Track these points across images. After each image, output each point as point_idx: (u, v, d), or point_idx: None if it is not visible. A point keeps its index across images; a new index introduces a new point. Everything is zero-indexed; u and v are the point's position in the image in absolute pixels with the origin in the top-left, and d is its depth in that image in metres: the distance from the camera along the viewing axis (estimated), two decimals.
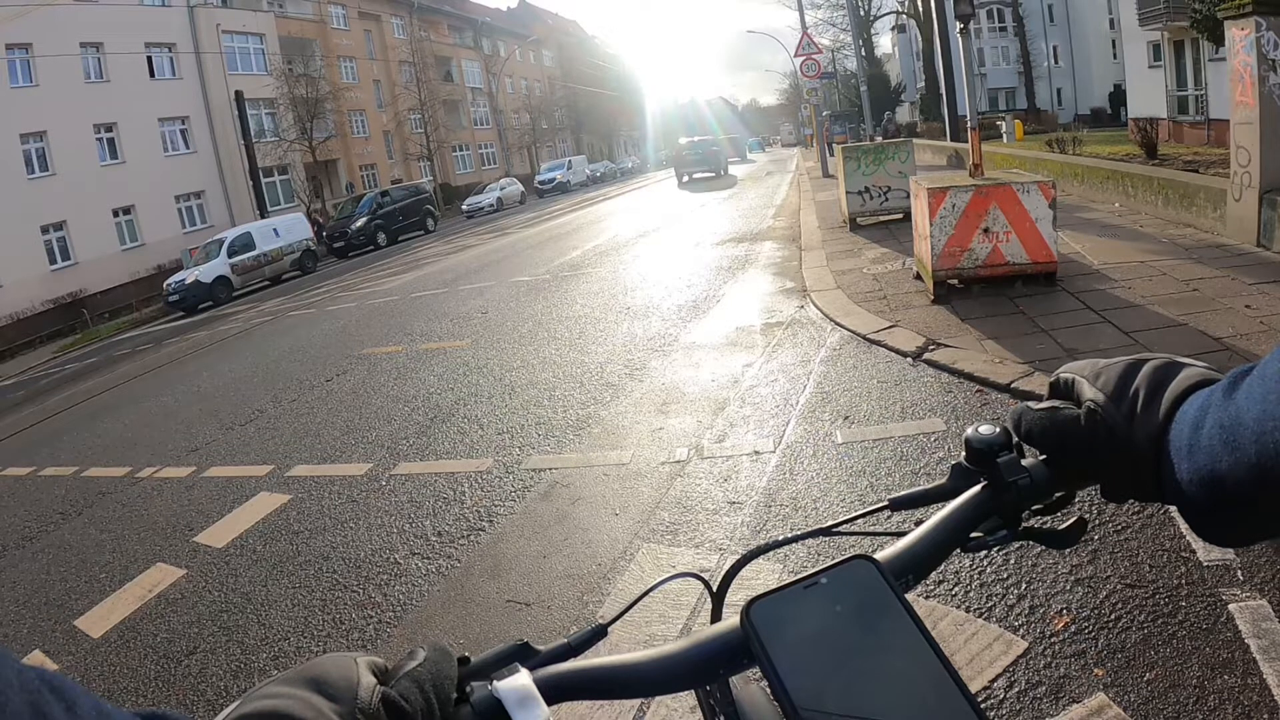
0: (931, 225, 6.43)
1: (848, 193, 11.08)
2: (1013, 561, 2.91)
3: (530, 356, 7.28)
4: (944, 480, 0.64)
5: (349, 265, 24.72)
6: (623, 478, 4.38)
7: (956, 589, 2.81)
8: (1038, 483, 0.60)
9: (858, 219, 11.13)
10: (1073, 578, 2.79)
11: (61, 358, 20.35)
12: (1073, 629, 2.53)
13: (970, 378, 4.87)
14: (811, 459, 4.18)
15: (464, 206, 37.19)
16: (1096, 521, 3.08)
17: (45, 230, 26.96)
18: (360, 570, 3.83)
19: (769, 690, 0.48)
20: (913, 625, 0.48)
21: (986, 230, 6.35)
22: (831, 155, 18.67)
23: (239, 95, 31.21)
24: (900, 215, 10.48)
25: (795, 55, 20.96)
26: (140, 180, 29.54)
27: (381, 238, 28.80)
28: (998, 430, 0.62)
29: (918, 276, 7.38)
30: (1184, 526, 2.91)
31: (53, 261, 27.10)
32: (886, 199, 10.87)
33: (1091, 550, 2.93)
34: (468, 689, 0.51)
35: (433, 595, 3.51)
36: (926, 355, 5.35)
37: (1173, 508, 0.55)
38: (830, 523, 0.67)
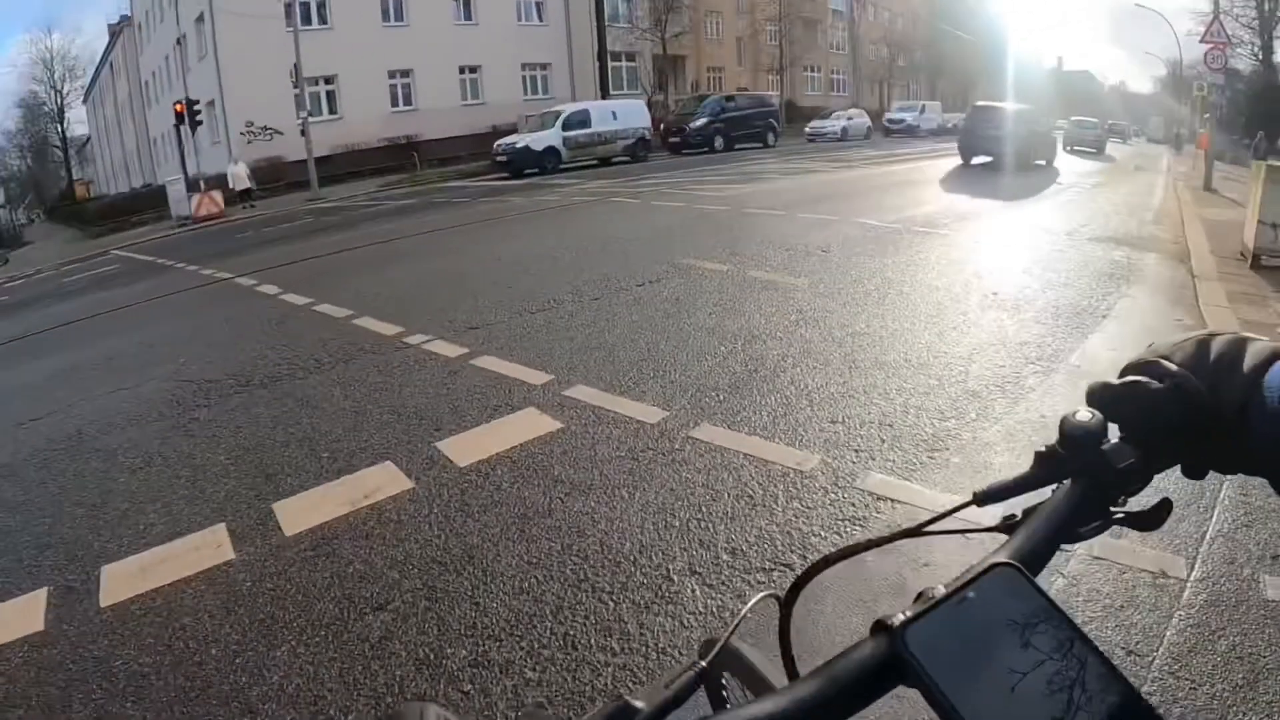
0: None
1: (1259, 222, 8.64)
2: None
3: (877, 323, 5.98)
4: (1028, 469, 0.63)
5: (681, 163, 24.92)
6: (986, 552, 3.02)
7: None
8: (1134, 467, 0.61)
9: (1263, 257, 8.63)
10: None
11: (383, 193, 23.17)
12: None
13: None
14: (1231, 609, 2.62)
15: (807, 129, 37.40)
16: None
17: (392, 75, 31.73)
18: (618, 570, 2.90)
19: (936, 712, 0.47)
20: (1070, 627, 0.49)
21: None
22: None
23: None
24: None
25: (1202, 40, 19.13)
26: (489, 43, 33.24)
27: (719, 142, 29.18)
28: (1095, 416, 0.62)
29: None
30: None
31: (394, 104, 31.79)
32: None
33: None
34: None
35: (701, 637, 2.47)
36: None
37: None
38: (917, 523, 0.68)
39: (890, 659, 0.49)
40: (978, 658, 0.48)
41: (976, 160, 20.49)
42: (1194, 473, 0.64)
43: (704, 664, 0.56)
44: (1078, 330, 5.83)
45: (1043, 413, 4.28)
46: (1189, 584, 2.81)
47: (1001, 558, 0.55)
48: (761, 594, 0.71)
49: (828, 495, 3.46)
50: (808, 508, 3.36)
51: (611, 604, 2.72)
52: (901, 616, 0.50)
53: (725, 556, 2.99)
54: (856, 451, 3.87)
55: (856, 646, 0.52)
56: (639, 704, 0.51)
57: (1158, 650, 2.46)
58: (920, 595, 0.52)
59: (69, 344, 7.85)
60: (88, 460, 4.38)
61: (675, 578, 2.85)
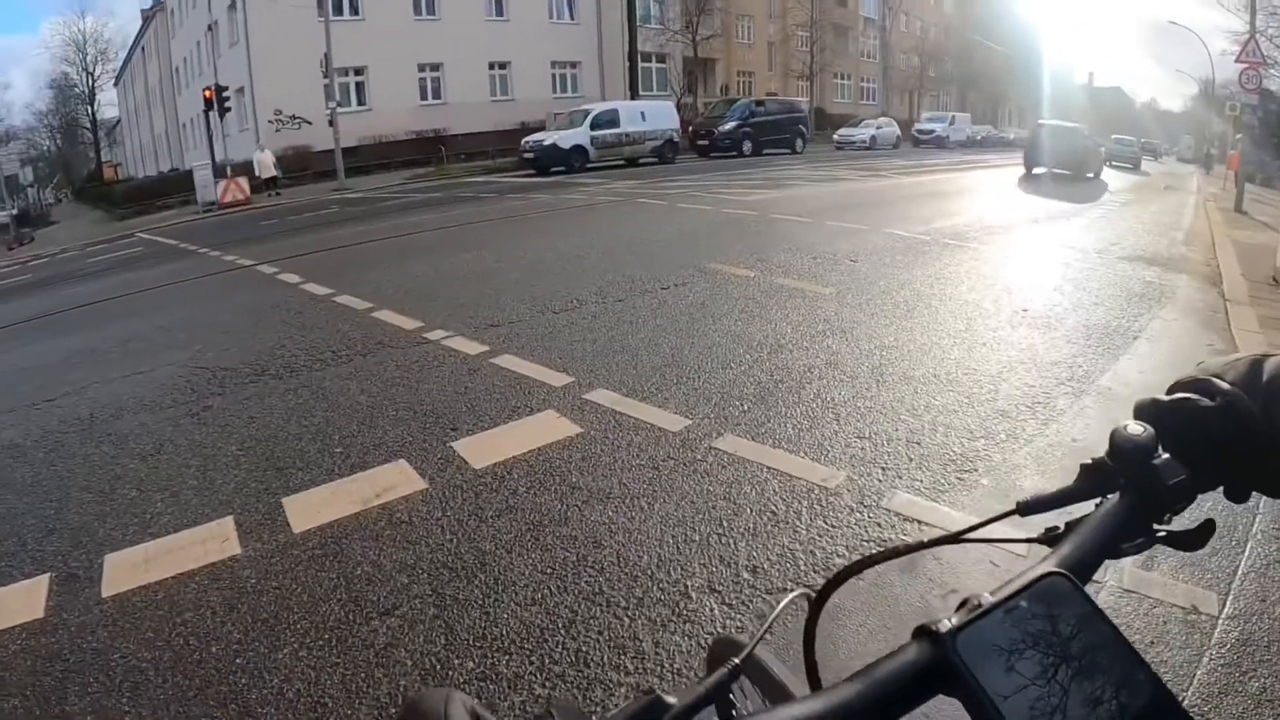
0: None
1: None
2: None
3: (905, 336, 5.85)
4: (1073, 481, 0.63)
5: (708, 166, 24.96)
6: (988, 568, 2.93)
7: None
8: (1183, 484, 0.61)
9: None
10: None
11: (409, 185, 23.48)
12: None
13: None
14: (1263, 649, 2.50)
15: (835, 137, 37.56)
16: None
17: (422, 68, 32.22)
18: (634, 585, 2.81)
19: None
20: (1121, 641, 0.50)
21: None
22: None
23: None
24: None
25: (1237, 60, 18.98)
26: (520, 40, 33.78)
27: (747, 146, 29.31)
28: (1147, 430, 0.62)
29: None
30: None
31: (423, 98, 32.25)
32: None
33: None
34: None
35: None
36: None
37: None
38: (958, 529, 0.66)
39: (935, 665, 0.49)
40: (1028, 667, 0.48)
41: (1037, 170, 21.20)
42: (1237, 494, 0.64)
43: (737, 661, 0.56)
44: (1109, 351, 5.68)
45: (1074, 436, 4.16)
46: (1220, 621, 2.69)
47: (1051, 567, 0.54)
48: (795, 592, 0.71)
49: (853, 514, 3.35)
50: (832, 526, 3.25)
51: (627, 620, 2.62)
52: (949, 623, 0.50)
53: (746, 575, 2.88)
54: (883, 469, 3.76)
55: (898, 652, 0.51)
56: (671, 699, 0.50)
57: (1188, 690, 2.34)
58: (965, 603, 0.51)
59: (88, 325, 7.86)
60: (98, 444, 4.34)
61: (694, 595, 2.75)
